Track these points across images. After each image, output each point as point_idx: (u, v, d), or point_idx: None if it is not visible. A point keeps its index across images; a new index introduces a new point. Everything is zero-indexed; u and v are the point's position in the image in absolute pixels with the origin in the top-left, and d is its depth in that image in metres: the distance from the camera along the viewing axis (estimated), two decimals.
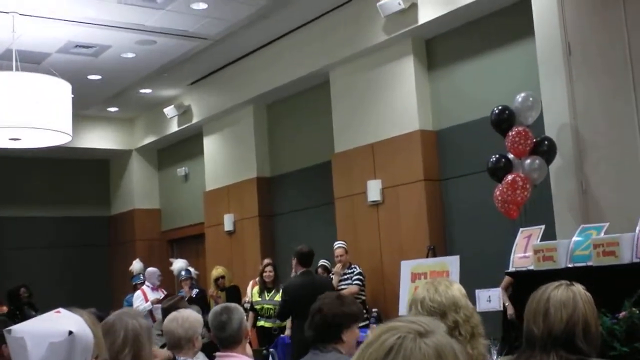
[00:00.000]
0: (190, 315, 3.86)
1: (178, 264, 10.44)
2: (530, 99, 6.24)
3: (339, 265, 7.95)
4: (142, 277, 10.27)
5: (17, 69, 7.59)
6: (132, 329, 2.74)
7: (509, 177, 6.03)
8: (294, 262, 7.30)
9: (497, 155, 6.24)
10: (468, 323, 2.45)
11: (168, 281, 10.70)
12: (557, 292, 2.45)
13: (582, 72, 6.13)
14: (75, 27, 8.52)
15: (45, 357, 1.79)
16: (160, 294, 9.76)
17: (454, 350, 1.27)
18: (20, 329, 1.84)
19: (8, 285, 10.31)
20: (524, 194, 5.97)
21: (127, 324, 2.75)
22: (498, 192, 6.15)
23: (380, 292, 8.25)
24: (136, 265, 10.95)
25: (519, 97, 6.26)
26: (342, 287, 7.76)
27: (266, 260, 8.92)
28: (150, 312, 9.39)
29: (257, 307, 8.58)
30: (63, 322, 1.84)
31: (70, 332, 1.80)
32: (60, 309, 1.96)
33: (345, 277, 7.94)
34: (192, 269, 10.29)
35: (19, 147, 8.15)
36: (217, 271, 9.78)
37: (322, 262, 8.28)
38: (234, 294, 9.53)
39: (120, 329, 2.74)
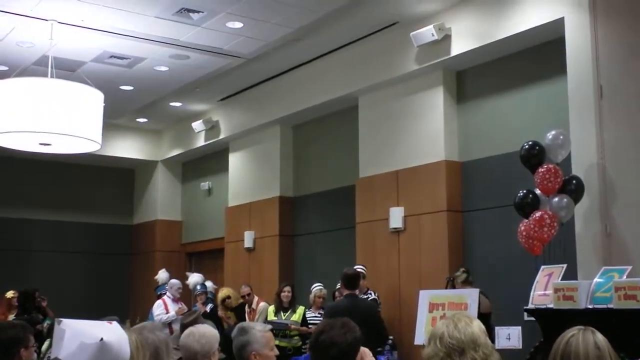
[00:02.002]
0: (207, 331, 3.88)
1: (194, 278, 10.48)
2: (561, 137, 6.23)
3: (356, 291, 7.93)
4: (167, 287, 10.33)
5: (52, 76, 7.74)
6: (152, 344, 2.77)
7: (537, 214, 6.01)
8: (339, 284, 7.29)
9: (524, 191, 6.23)
10: None
11: (184, 295, 10.73)
12: (581, 342, 2.49)
13: (612, 114, 6.13)
14: (112, 38, 8.65)
15: (73, 352, 1.87)
16: (180, 306, 9.82)
17: None
18: (67, 323, 1.95)
19: (28, 286, 10.39)
20: (551, 231, 5.95)
21: (147, 338, 2.77)
22: (523, 228, 6.13)
23: (396, 319, 8.22)
24: (162, 275, 11.00)
25: (550, 135, 6.25)
26: None
27: (285, 282, 8.98)
28: (169, 325, 9.44)
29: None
30: (103, 330, 1.92)
31: (102, 339, 1.87)
32: (114, 322, 2.04)
33: None
34: (210, 283, 10.32)
35: (49, 152, 8.28)
36: (222, 292, 9.78)
37: (339, 286, 8.25)
38: (243, 311, 9.55)
39: (145, 346, 2.75)
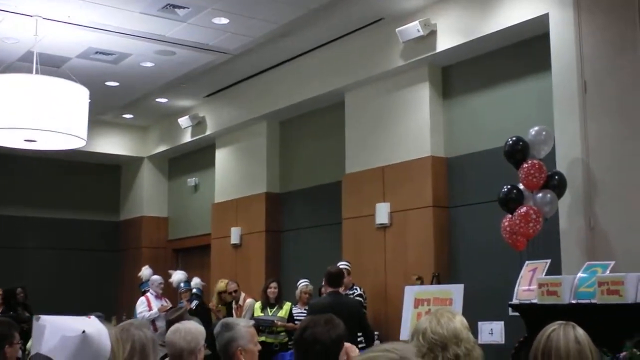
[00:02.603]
0: (193, 328, 3.87)
1: (177, 276, 10.45)
2: (544, 132, 6.27)
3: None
4: (149, 284, 10.31)
5: (37, 72, 7.70)
6: (139, 340, 2.77)
7: (523, 209, 6.05)
8: (323, 281, 7.34)
9: (508, 186, 6.26)
10: (469, 356, 2.47)
11: (169, 292, 10.71)
12: (562, 337, 2.52)
13: (596, 110, 6.17)
14: (97, 34, 8.62)
15: (55, 347, 1.88)
16: (163, 302, 9.81)
17: None
18: (46, 318, 1.96)
19: (14, 283, 10.36)
20: (536, 227, 5.99)
21: (134, 335, 2.77)
22: (507, 223, 6.17)
23: (382, 314, 8.25)
24: (145, 271, 10.97)
25: (532, 131, 6.29)
26: None
27: (272, 279, 8.97)
28: (153, 322, 9.42)
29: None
30: (84, 323, 1.93)
31: (83, 331, 1.88)
32: (92, 316, 2.06)
33: None
34: (197, 279, 10.30)
35: (35, 148, 8.24)
36: (221, 285, 9.75)
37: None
38: (231, 307, 9.53)
39: (127, 340, 2.76)
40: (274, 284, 8.72)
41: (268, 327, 8.37)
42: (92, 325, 1.95)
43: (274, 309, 8.60)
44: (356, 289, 8.02)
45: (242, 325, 3.68)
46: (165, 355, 3.82)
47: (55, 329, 1.91)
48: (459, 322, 2.53)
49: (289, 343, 8.35)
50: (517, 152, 6.22)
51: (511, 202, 6.19)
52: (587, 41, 6.32)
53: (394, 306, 7.89)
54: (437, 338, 2.46)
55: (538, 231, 6.02)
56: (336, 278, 7.10)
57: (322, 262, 8.47)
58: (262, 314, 8.63)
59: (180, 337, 3.76)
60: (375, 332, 7.70)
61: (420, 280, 7.26)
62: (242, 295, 9.48)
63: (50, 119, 7.31)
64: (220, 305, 9.59)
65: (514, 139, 6.29)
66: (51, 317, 1.96)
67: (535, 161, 6.12)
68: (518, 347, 5.52)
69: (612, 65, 6.17)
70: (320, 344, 2.92)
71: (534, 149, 6.22)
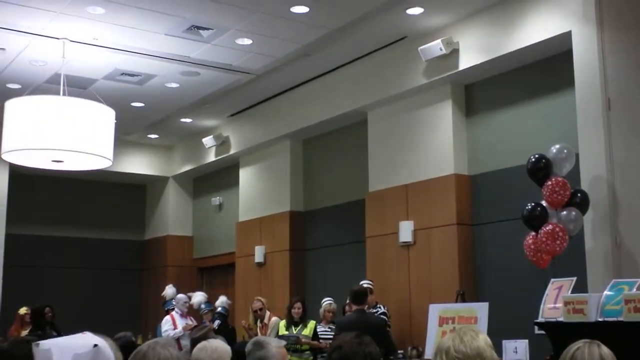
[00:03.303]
0: (219, 346, 3.90)
1: (197, 298, 10.44)
2: (565, 150, 6.26)
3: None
4: (174, 303, 10.35)
5: (64, 93, 7.82)
6: (164, 359, 2.78)
7: (549, 227, 6.02)
8: (347, 300, 7.56)
9: (532, 204, 6.24)
10: None
11: (194, 311, 10.74)
12: (587, 356, 2.51)
13: (621, 128, 6.14)
14: (123, 56, 8.75)
15: None
16: (188, 321, 9.84)
17: None
18: (48, 343, 1.97)
19: (40, 302, 10.45)
20: (563, 244, 5.96)
21: (160, 354, 2.79)
22: (531, 241, 6.14)
23: (406, 332, 8.22)
24: (169, 290, 11.01)
25: (554, 148, 6.28)
26: None
27: (297, 298, 8.97)
28: (177, 340, 9.44)
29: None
30: (89, 338, 1.95)
31: (96, 345, 1.91)
32: (87, 332, 2.07)
33: None
34: (225, 298, 10.29)
35: (61, 169, 8.36)
36: (257, 303, 9.72)
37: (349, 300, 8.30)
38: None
39: (153, 359, 2.78)
40: (298, 304, 8.71)
41: (293, 344, 8.36)
42: (96, 339, 1.99)
43: (299, 328, 8.60)
44: (379, 307, 8.01)
45: (274, 346, 3.68)
46: None
47: (64, 350, 1.92)
48: (483, 340, 2.52)
49: None
50: (540, 169, 6.21)
51: (535, 219, 6.16)
52: (611, 58, 6.31)
53: (418, 324, 7.86)
54: (461, 357, 2.45)
55: (564, 249, 5.99)
56: (360, 296, 7.30)
57: (346, 281, 8.49)
58: (287, 332, 8.63)
59: (207, 354, 3.78)
60: (400, 351, 7.68)
61: (462, 296, 7.23)
62: (268, 313, 9.48)
63: (77, 139, 7.42)
64: (254, 324, 9.57)
65: (536, 156, 6.27)
66: (51, 341, 1.98)
67: (559, 178, 6.10)
68: None
69: (635, 82, 6.15)
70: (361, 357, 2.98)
71: (556, 166, 6.20)
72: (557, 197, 6.04)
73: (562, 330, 4.69)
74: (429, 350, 6.51)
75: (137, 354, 2.83)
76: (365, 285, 8.04)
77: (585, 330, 4.22)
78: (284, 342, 3.93)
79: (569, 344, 2.85)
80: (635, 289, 4.50)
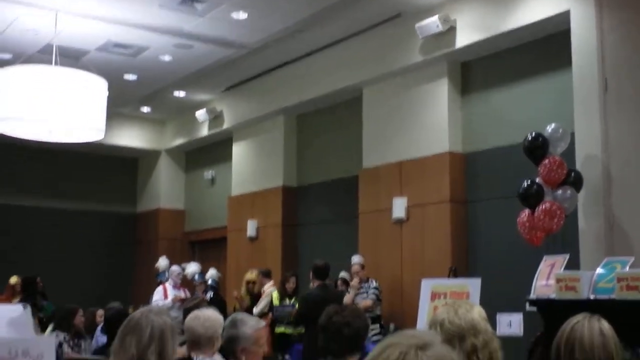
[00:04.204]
0: (212, 315, 3.90)
1: (191, 268, 10.52)
2: (560, 130, 6.27)
3: (355, 280, 7.99)
4: (167, 275, 10.39)
5: (56, 64, 7.74)
6: (158, 326, 2.78)
7: (546, 205, 6.02)
8: (311, 275, 7.77)
9: (529, 181, 6.23)
10: (487, 348, 2.45)
11: (187, 284, 10.76)
12: (587, 329, 2.53)
13: (617, 107, 6.13)
14: (116, 27, 8.66)
15: (8, 328, 1.93)
16: (181, 292, 9.87)
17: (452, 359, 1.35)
18: None
19: (30, 274, 10.42)
20: (560, 222, 5.98)
21: (153, 321, 2.78)
22: (526, 219, 6.14)
23: (398, 308, 8.24)
24: (162, 262, 11.06)
25: (549, 128, 6.28)
26: (358, 301, 7.78)
27: (291, 272, 9.00)
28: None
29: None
30: (11, 306, 2.03)
31: (25, 306, 1.95)
32: None
33: (362, 291, 7.98)
34: (214, 271, 10.33)
35: (53, 140, 8.29)
36: (251, 275, 9.66)
37: (342, 274, 8.33)
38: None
39: (147, 326, 2.77)
40: (292, 279, 8.76)
41: (287, 316, 8.39)
42: (15, 307, 2.08)
43: (292, 301, 8.63)
44: (371, 282, 8.04)
45: (249, 326, 3.68)
46: (183, 342, 3.84)
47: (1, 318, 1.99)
48: (477, 313, 2.51)
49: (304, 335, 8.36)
50: (537, 148, 6.20)
51: (531, 197, 6.17)
52: (609, 38, 6.28)
53: (410, 299, 7.87)
54: (455, 329, 2.45)
55: (560, 227, 6.00)
56: (323, 271, 7.67)
57: (339, 256, 8.51)
58: (279, 304, 8.68)
59: (199, 323, 3.79)
60: (391, 324, 7.75)
61: (454, 272, 7.25)
62: (270, 282, 9.41)
63: (69, 110, 7.36)
64: (246, 295, 9.58)
65: (533, 134, 6.26)
66: None
67: (556, 157, 6.09)
68: (534, 343, 5.49)
69: (633, 63, 6.12)
70: (350, 328, 3.05)
71: (552, 145, 6.19)
72: (554, 176, 6.04)
73: (553, 308, 4.70)
74: (421, 325, 6.51)
75: (130, 321, 2.83)
76: (356, 261, 8.08)
77: (577, 308, 4.22)
78: (263, 323, 3.93)
79: (560, 321, 2.85)
80: (627, 268, 4.50)
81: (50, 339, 1.72)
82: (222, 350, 3.80)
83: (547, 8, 6.90)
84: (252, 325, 3.71)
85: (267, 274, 9.50)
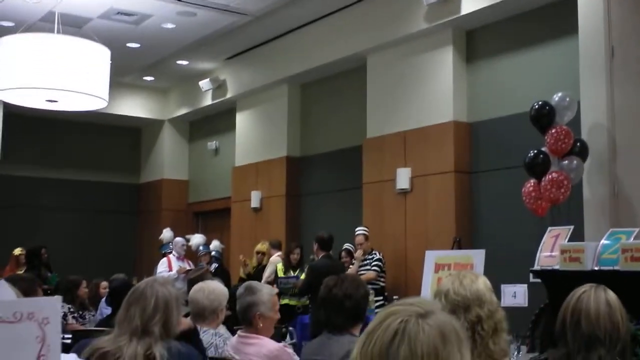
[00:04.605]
0: (216, 287, 3.90)
1: (196, 240, 10.52)
2: (567, 98, 6.19)
3: (359, 252, 7.99)
4: (171, 246, 10.39)
5: (58, 32, 7.67)
6: (163, 297, 2.77)
7: (553, 175, 5.97)
8: (315, 246, 7.91)
9: (535, 151, 6.18)
10: (491, 318, 2.44)
11: (191, 255, 10.79)
12: (593, 299, 2.56)
13: (623, 76, 6.05)
14: None
15: None
16: (185, 264, 9.88)
17: (454, 327, 1.34)
18: None
19: (34, 243, 10.45)
20: (566, 192, 5.93)
21: (158, 291, 2.78)
22: (532, 188, 6.10)
23: (402, 279, 8.25)
24: (166, 234, 11.06)
25: (556, 96, 6.21)
26: (362, 272, 7.79)
27: (295, 243, 9.01)
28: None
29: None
30: None
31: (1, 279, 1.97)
32: None
33: (365, 262, 7.98)
34: (217, 242, 10.35)
35: (55, 109, 8.25)
36: (262, 246, 9.69)
37: (346, 246, 8.32)
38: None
39: (151, 297, 2.76)
40: (297, 250, 8.78)
41: (291, 288, 8.41)
42: None
43: (296, 273, 8.65)
44: (375, 254, 8.03)
45: (265, 292, 3.68)
46: (188, 314, 3.84)
47: None
48: (482, 283, 2.50)
49: (310, 306, 8.38)
50: (544, 116, 6.14)
51: (538, 167, 6.11)
52: (616, 6, 6.18)
53: (413, 271, 7.88)
54: (460, 299, 2.43)
55: (567, 197, 5.96)
56: (328, 242, 7.87)
57: (343, 227, 8.50)
58: (284, 276, 8.70)
59: (204, 295, 3.79)
60: (395, 297, 7.72)
61: (458, 243, 7.24)
62: (278, 252, 9.44)
63: (72, 79, 7.29)
64: (252, 261, 9.61)
65: (540, 103, 6.20)
66: None
67: (563, 127, 6.04)
68: (538, 314, 5.50)
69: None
70: (351, 300, 3.03)
71: (558, 114, 6.13)
72: (561, 146, 5.98)
73: (557, 279, 4.69)
74: (425, 297, 6.52)
75: (135, 291, 2.82)
76: (361, 232, 8.08)
77: (581, 279, 4.21)
78: (276, 290, 3.94)
79: (564, 292, 2.84)
80: (632, 239, 4.48)
81: (56, 302, 1.68)
82: (235, 318, 3.79)
83: None
84: (268, 291, 3.72)
85: (276, 245, 9.53)
